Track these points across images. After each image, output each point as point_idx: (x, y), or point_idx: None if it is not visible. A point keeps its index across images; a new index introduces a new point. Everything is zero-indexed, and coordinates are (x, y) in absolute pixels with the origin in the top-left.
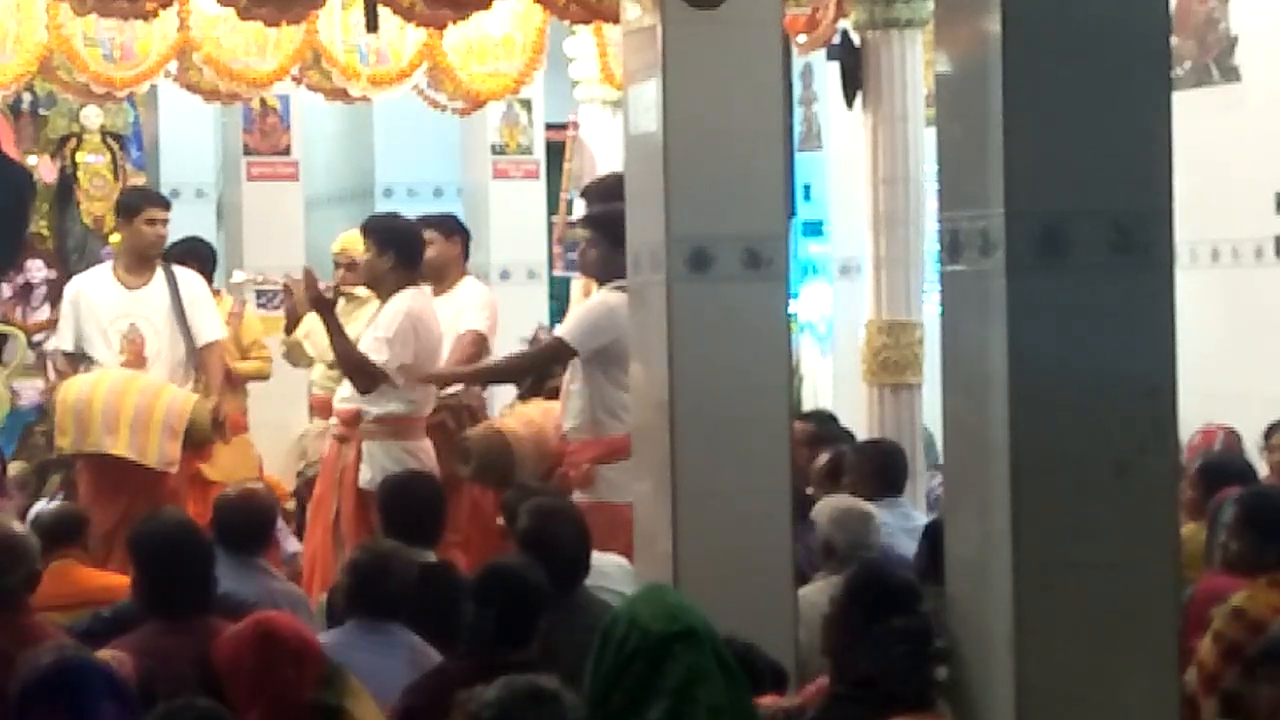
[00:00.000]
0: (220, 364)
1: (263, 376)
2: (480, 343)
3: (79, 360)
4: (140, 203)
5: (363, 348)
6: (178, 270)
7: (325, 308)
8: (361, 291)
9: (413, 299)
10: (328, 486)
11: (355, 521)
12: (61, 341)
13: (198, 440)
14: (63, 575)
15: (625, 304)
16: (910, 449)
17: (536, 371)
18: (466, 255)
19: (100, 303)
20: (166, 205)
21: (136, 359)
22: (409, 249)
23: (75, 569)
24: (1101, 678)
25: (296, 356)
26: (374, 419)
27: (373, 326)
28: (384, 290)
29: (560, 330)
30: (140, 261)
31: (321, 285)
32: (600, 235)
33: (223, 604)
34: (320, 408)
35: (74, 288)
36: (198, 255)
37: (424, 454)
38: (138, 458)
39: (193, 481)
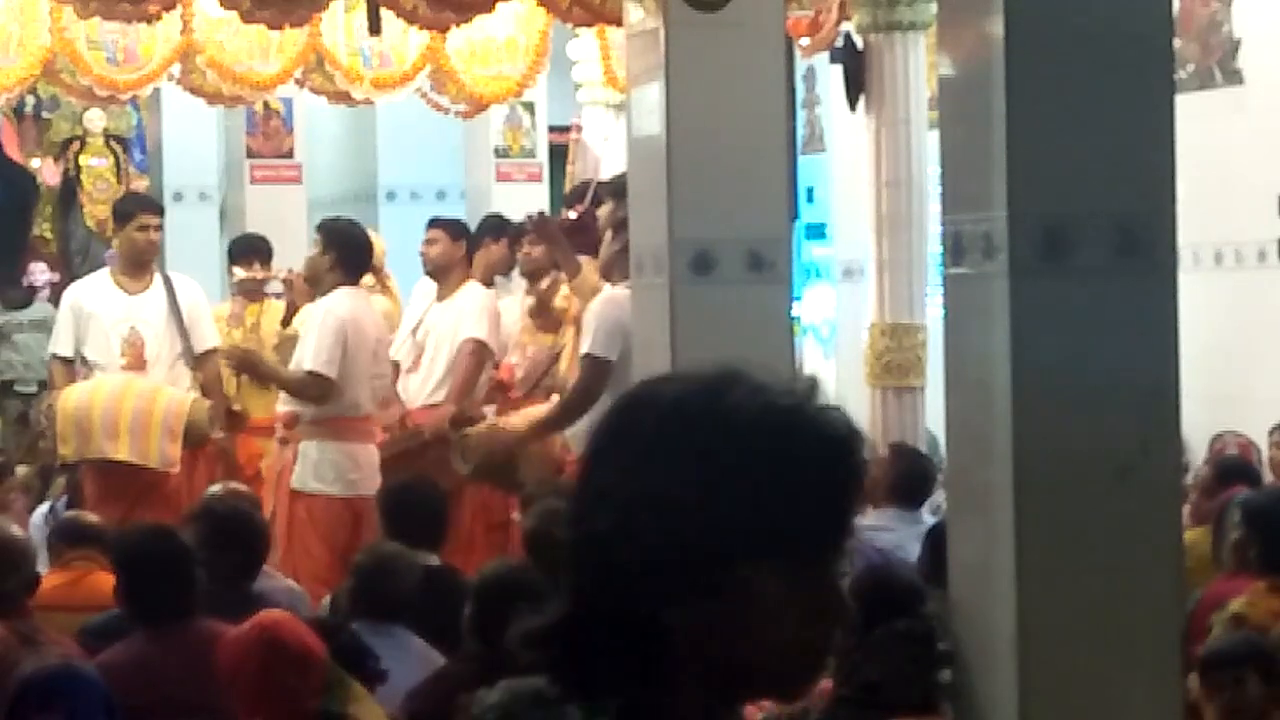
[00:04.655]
0: (218, 370)
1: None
2: (480, 350)
3: (75, 365)
4: (133, 209)
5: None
6: (174, 276)
7: (249, 367)
8: (364, 280)
9: (338, 299)
10: (268, 489)
11: (287, 523)
12: (59, 347)
13: (197, 439)
14: (83, 578)
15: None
16: None
17: (593, 399)
18: (471, 260)
19: (101, 308)
20: (159, 211)
21: (137, 361)
22: (352, 256)
23: (94, 573)
24: (1104, 681)
25: (286, 351)
26: (311, 419)
27: (304, 329)
28: (321, 288)
29: (586, 347)
30: (137, 267)
31: None
32: (615, 233)
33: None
34: None
35: (72, 294)
36: (257, 251)
37: (363, 456)
38: (139, 460)
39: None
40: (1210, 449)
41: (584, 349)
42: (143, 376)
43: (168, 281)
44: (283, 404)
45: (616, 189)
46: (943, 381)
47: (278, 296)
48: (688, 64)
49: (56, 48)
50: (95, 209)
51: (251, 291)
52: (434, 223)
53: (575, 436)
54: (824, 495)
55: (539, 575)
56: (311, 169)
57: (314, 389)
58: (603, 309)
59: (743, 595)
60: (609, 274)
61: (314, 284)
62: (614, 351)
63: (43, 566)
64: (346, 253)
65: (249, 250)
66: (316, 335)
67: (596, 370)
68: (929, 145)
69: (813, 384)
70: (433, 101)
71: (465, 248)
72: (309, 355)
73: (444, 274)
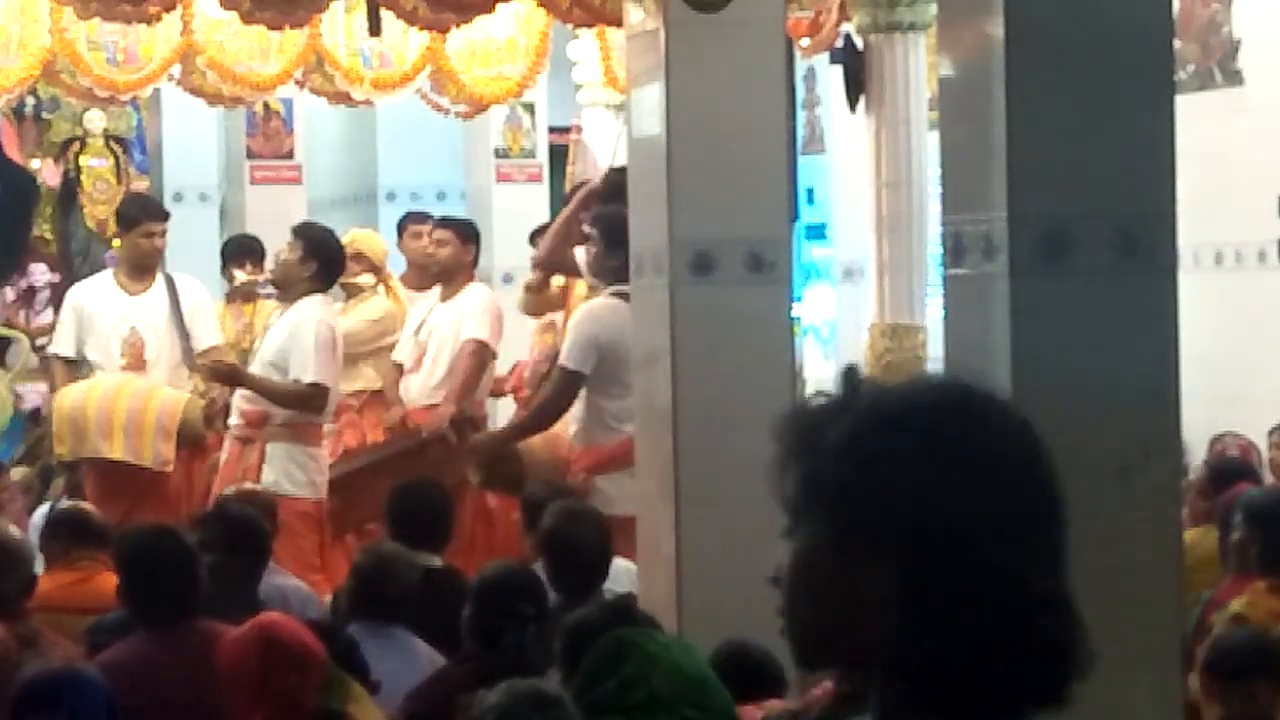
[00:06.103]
0: None
1: None
2: (482, 350)
3: (78, 366)
4: (138, 215)
5: (288, 359)
6: (177, 277)
7: (233, 380)
8: (365, 279)
9: (319, 308)
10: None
11: None
12: (61, 347)
13: (191, 438)
14: (90, 578)
15: (612, 310)
16: None
17: (563, 409)
18: (476, 263)
19: (102, 308)
20: (164, 217)
21: (137, 362)
22: (331, 266)
23: (101, 573)
24: (1104, 681)
25: None
26: (281, 422)
27: (290, 338)
28: (292, 293)
29: (562, 359)
30: (140, 269)
31: None
32: (598, 235)
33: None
34: None
35: (75, 295)
36: (250, 252)
37: (323, 460)
38: (134, 460)
39: None
40: (1210, 449)
41: (560, 360)
42: (141, 377)
43: (170, 282)
44: (248, 402)
45: (606, 193)
46: None
47: (267, 297)
48: (688, 64)
49: (56, 48)
50: (95, 210)
51: (247, 293)
52: (442, 223)
53: (576, 437)
54: None
55: (547, 576)
56: (311, 169)
57: (317, 400)
58: (578, 322)
59: None
60: (598, 276)
61: (284, 287)
62: (586, 365)
63: (41, 567)
64: (327, 263)
65: (241, 251)
66: (314, 346)
67: (566, 383)
68: (929, 145)
69: None
70: (433, 102)
71: (473, 251)
72: (310, 367)
73: (450, 275)
